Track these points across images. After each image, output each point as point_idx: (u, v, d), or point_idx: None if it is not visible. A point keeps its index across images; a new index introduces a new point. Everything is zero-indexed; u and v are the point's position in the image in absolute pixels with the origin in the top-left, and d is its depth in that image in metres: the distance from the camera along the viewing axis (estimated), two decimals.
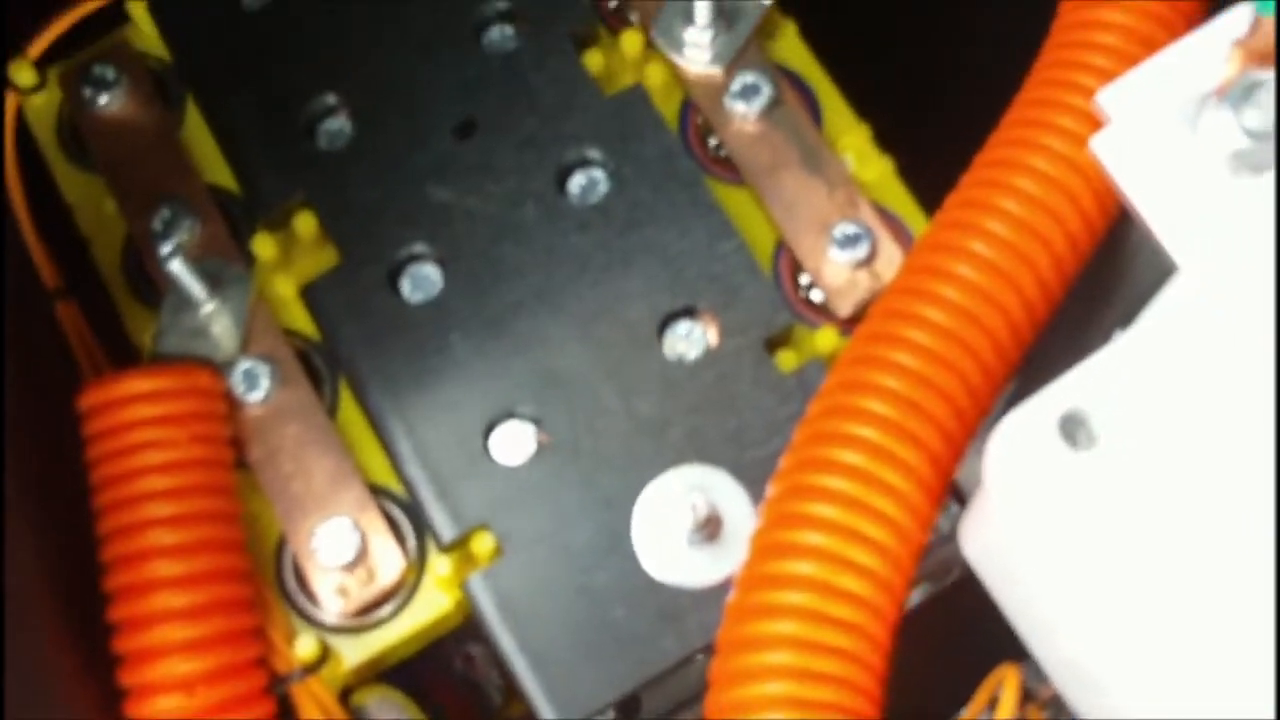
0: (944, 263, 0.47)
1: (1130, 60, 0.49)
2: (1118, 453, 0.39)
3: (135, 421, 0.51)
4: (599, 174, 0.55)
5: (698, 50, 0.55)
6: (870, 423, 0.44)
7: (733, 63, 0.56)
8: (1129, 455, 0.39)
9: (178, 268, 0.53)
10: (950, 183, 0.49)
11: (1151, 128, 0.47)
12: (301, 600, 0.53)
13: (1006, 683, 0.45)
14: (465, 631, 0.55)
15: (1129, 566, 0.38)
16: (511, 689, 0.59)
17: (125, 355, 0.57)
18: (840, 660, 0.42)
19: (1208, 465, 0.39)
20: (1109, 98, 0.47)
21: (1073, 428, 0.40)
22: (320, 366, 0.55)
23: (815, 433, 0.45)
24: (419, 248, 0.54)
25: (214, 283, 0.54)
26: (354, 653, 0.52)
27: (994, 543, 0.44)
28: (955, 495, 0.52)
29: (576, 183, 0.55)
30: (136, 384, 0.51)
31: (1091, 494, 0.39)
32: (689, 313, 0.53)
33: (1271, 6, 0.43)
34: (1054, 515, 0.39)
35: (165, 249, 0.54)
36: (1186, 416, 0.40)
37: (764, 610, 0.43)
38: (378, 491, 0.53)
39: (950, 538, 0.49)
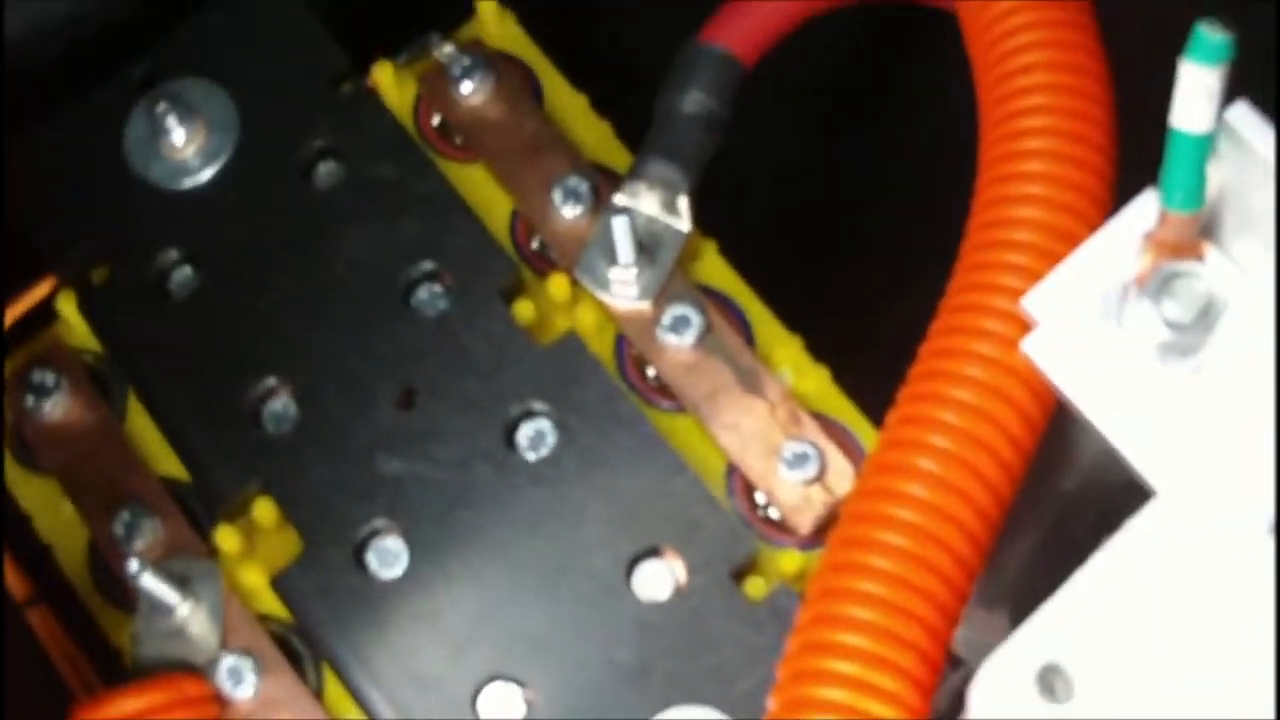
0: (895, 484, 0.48)
1: (1049, 255, 0.50)
2: (1096, 701, 0.41)
3: None
4: (545, 424, 0.56)
5: (624, 287, 0.57)
6: (849, 657, 0.46)
7: (660, 294, 0.57)
8: (1108, 703, 0.41)
9: (149, 581, 0.53)
10: (884, 383, 0.51)
11: (1078, 326, 0.49)
12: None
13: None
14: None
15: None
16: None
17: (105, 656, 0.57)
18: None
19: (1186, 693, 0.40)
20: (1034, 302, 0.49)
21: (1051, 678, 0.41)
22: (299, 647, 0.55)
23: (796, 670, 0.46)
24: (379, 522, 0.55)
25: (183, 584, 0.55)
26: None
27: None
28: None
29: (524, 435, 0.56)
30: (126, 704, 0.52)
31: None
32: (654, 553, 0.54)
33: (1173, 199, 0.44)
34: None
35: (132, 564, 0.54)
36: (1160, 647, 0.41)
37: None
38: None
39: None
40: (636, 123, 0.59)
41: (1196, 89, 0.41)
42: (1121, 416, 0.45)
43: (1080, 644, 0.41)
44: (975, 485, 0.49)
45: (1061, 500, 0.57)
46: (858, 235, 0.65)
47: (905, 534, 0.48)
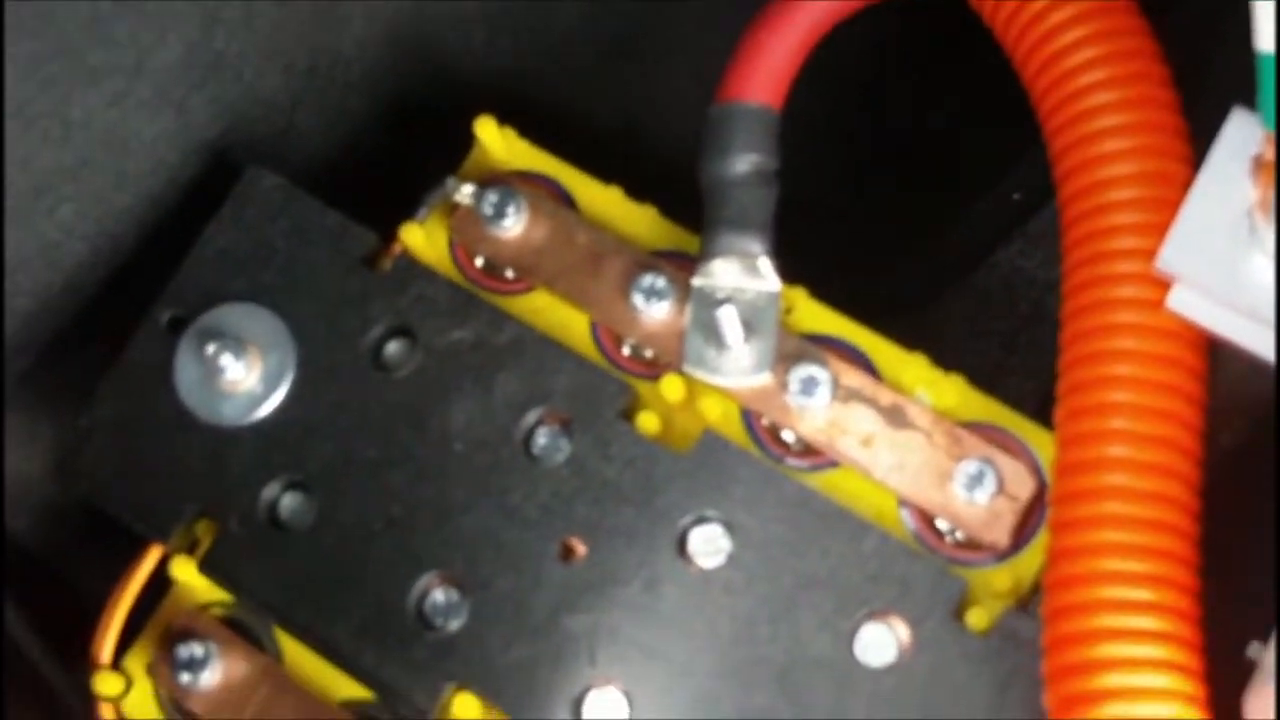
0: (1093, 454, 0.48)
1: (1154, 205, 0.50)
2: None
3: None
4: (715, 529, 0.54)
5: (738, 367, 0.55)
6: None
7: (776, 361, 0.55)
8: None
9: None
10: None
11: (1215, 267, 0.48)
12: None
13: None
14: None
15: None
16: None
17: None
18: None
19: None
20: (1169, 259, 0.48)
21: None
22: None
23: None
24: (586, 678, 0.54)
25: None
26: None
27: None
28: None
29: (697, 545, 0.54)
30: None
31: None
32: (870, 618, 0.53)
33: (1274, 119, 0.44)
34: None
35: None
36: None
37: None
38: None
39: None
40: (671, 195, 0.58)
41: (1271, 10, 0.40)
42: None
43: None
44: (1171, 457, 0.48)
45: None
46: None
47: (1124, 528, 0.47)
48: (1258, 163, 0.47)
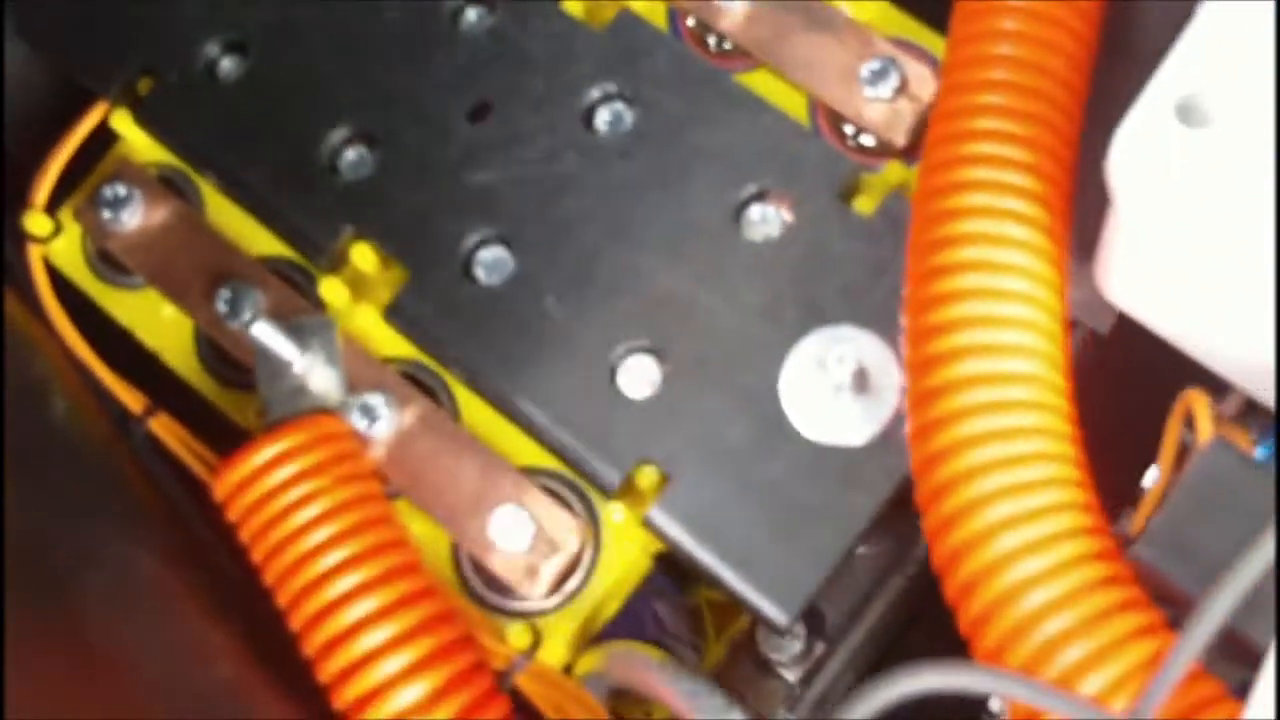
0: (982, 55, 0.47)
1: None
2: (1235, 124, 0.40)
3: (278, 485, 0.51)
4: (620, 105, 0.55)
5: None
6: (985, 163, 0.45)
7: None
8: (1246, 124, 0.40)
9: (261, 329, 0.53)
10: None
11: None
12: (494, 598, 0.53)
13: (1196, 406, 0.45)
14: (649, 588, 0.55)
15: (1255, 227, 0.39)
16: (705, 631, 0.60)
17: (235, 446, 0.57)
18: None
19: None
20: None
21: (1188, 113, 0.41)
22: (430, 381, 0.55)
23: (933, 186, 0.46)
24: (480, 234, 0.55)
25: (298, 337, 0.54)
26: (564, 626, 0.52)
27: (1132, 260, 0.44)
28: None
29: (602, 120, 0.56)
30: (266, 450, 0.51)
31: (1213, 168, 0.39)
32: (758, 197, 0.54)
33: None
34: (1183, 193, 0.39)
35: (244, 317, 0.54)
36: None
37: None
38: (530, 473, 0.53)
39: None
40: None
41: None
42: None
43: (1214, 73, 0.41)
44: (1061, 38, 0.48)
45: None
46: None
47: (1004, 92, 0.47)
48: None
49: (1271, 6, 0.41)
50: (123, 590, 0.49)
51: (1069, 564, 0.42)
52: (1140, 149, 0.40)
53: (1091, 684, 0.40)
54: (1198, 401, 0.45)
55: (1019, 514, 0.42)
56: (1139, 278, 0.45)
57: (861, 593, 0.57)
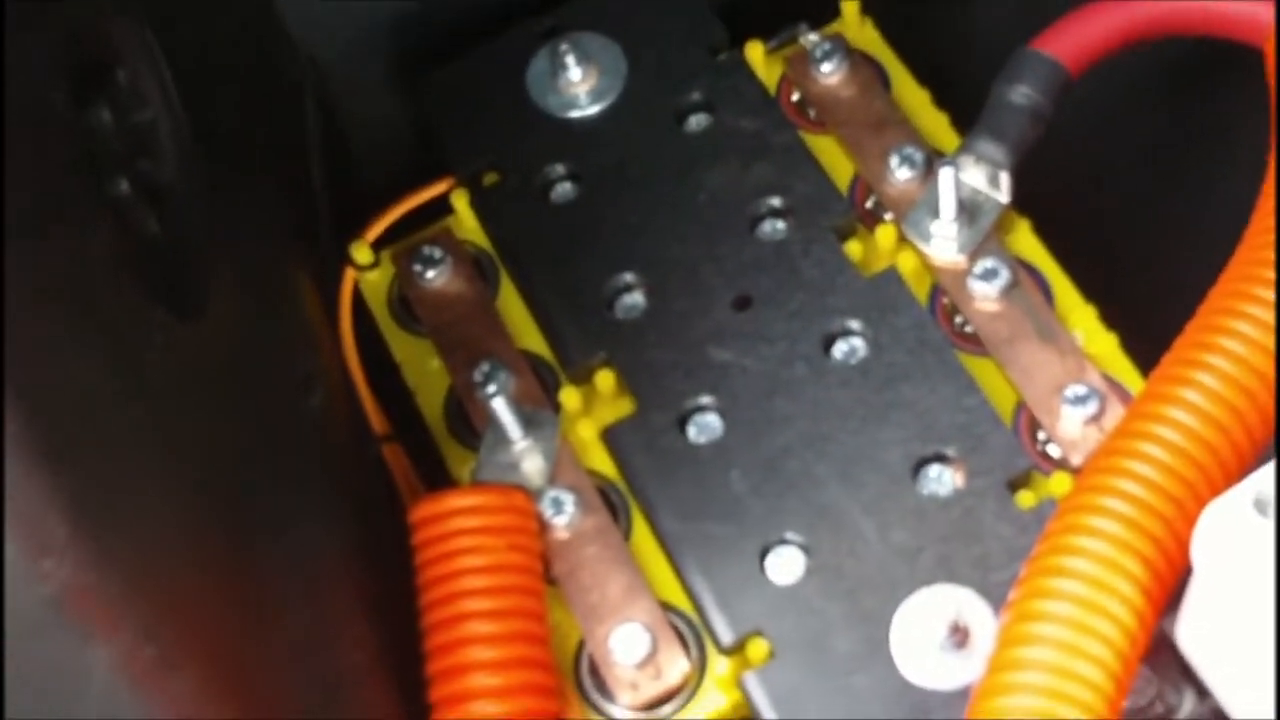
0: (1158, 408, 0.54)
1: None
2: None
3: (459, 530, 0.60)
4: (859, 342, 0.64)
5: (944, 241, 0.65)
6: (1088, 557, 0.52)
7: (975, 251, 0.65)
8: None
9: (499, 405, 0.62)
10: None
11: None
12: (596, 697, 0.60)
13: None
14: None
15: None
16: None
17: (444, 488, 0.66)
18: None
19: None
20: None
21: (1264, 505, 0.47)
22: (616, 501, 0.63)
23: (1042, 566, 0.53)
24: (703, 400, 0.64)
25: (527, 423, 0.63)
26: None
27: (1206, 619, 0.50)
28: None
29: (839, 348, 0.64)
30: (461, 499, 0.61)
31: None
32: (939, 458, 0.61)
33: None
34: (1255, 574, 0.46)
35: (489, 389, 0.63)
36: None
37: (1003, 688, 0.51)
38: (666, 607, 0.61)
39: None
40: (971, 120, 0.68)
41: None
42: None
43: None
44: (1235, 426, 0.54)
45: None
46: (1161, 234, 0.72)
47: (1161, 454, 0.54)
48: None
49: None
50: (301, 560, 0.58)
51: None
52: (1219, 527, 0.47)
53: None
54: None
55: None
56: (1208, 627, 0.51)
57: None
